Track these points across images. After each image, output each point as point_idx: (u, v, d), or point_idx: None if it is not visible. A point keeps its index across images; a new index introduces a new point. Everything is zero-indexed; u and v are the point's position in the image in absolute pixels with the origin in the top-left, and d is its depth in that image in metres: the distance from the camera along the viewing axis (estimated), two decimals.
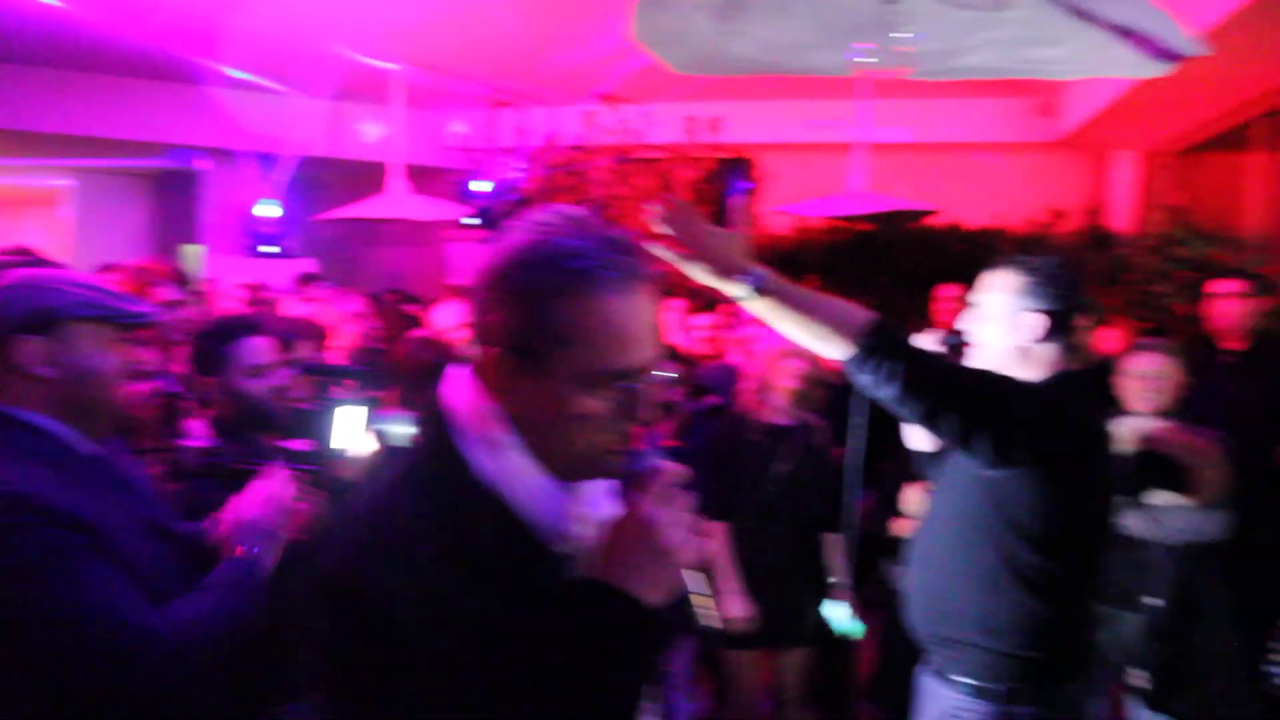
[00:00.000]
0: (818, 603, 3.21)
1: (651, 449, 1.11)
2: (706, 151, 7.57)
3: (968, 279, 4.44)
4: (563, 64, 6.49)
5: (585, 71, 6.68)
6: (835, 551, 3.24)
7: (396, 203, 6.10)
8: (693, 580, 1.06)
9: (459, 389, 1.12)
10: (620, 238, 1.06)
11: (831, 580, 3.23)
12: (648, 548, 1.04)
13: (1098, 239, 6.50)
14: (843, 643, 3.25)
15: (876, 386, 1.75)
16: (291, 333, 3.21)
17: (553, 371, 1.04)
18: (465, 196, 8.01)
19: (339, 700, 1.02)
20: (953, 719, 1.97)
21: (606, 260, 1.03)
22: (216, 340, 2.32)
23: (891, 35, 2.02)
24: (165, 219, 9.71)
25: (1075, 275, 2.04)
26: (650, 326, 1.07)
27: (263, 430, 2.30)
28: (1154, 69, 2.36)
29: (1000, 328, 2.03)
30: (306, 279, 6.08)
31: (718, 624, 1.10)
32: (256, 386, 2.28)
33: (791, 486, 3.19)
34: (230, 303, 5.02)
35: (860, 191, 5.70)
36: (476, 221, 7.56)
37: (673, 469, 1.08)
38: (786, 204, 6.34)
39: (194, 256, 8.13)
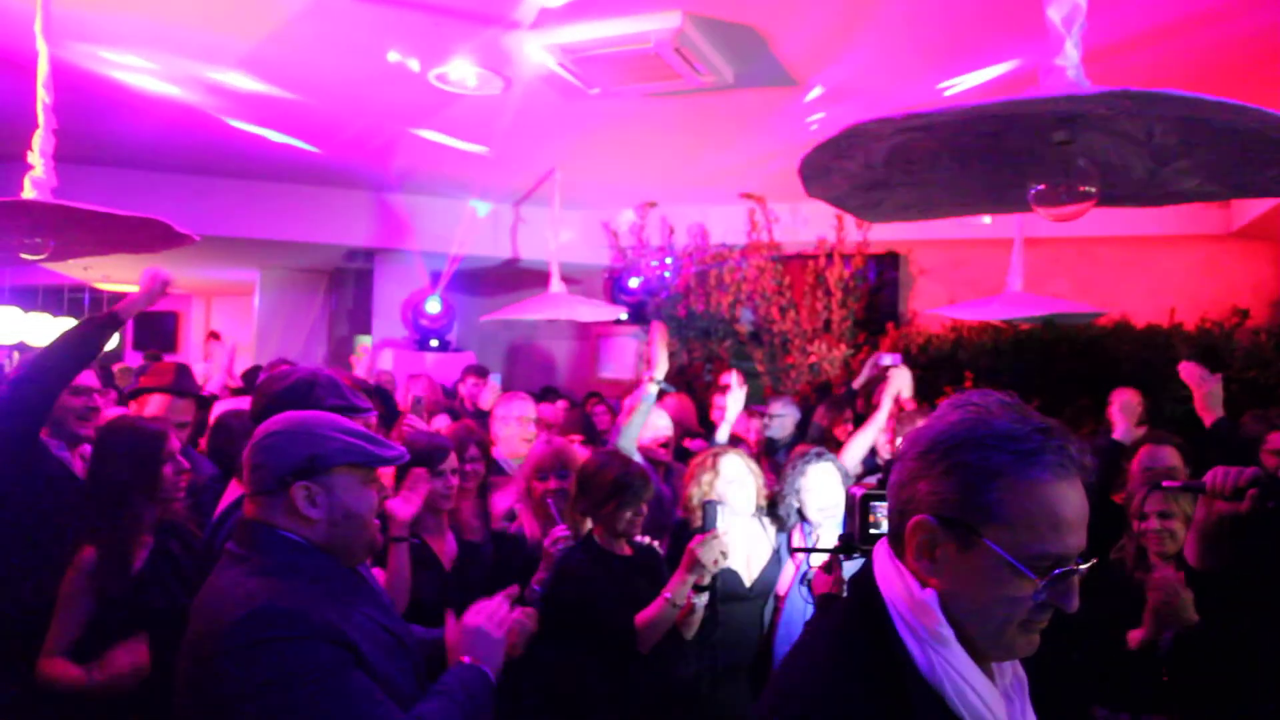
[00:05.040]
0: None
1: None
2: (857, 249, 7.56)
3: (1138, 381, 4.20)
4: (714, 164, 6.67)
5: (735, 171, 6.84)
6: None
7: (557, 303, 6.35)
8: None
9: (890, 567, 1.14)
10: (1054, 426, 1.09)
11: None
12: None
13: None
14: None
15: None
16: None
17: (981, 547, 1.06)
18: (617, 293, 8.27)
19: None
20: None
21: (1044, 445, 1.06)
22: None
23: (1079, 165, 1.99)
24: (339, 311, 10.43)
25: None
26: (1081, 515, 1.08)
27: None
28: None
29: None
30: (475, 371, 6.38)
31: None
32: None
33: None
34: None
35: (1020, 293, 5.54)
36: (626, 318, 7.78)
37: None
38: (939, 303, 6.23)
39: (366, 346, 8.66)
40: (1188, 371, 3.45)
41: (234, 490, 2.56)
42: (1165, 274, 7.21)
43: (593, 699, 2.83)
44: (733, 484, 3.33)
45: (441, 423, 3.77)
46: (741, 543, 3.30)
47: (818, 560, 2.96)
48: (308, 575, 1.62)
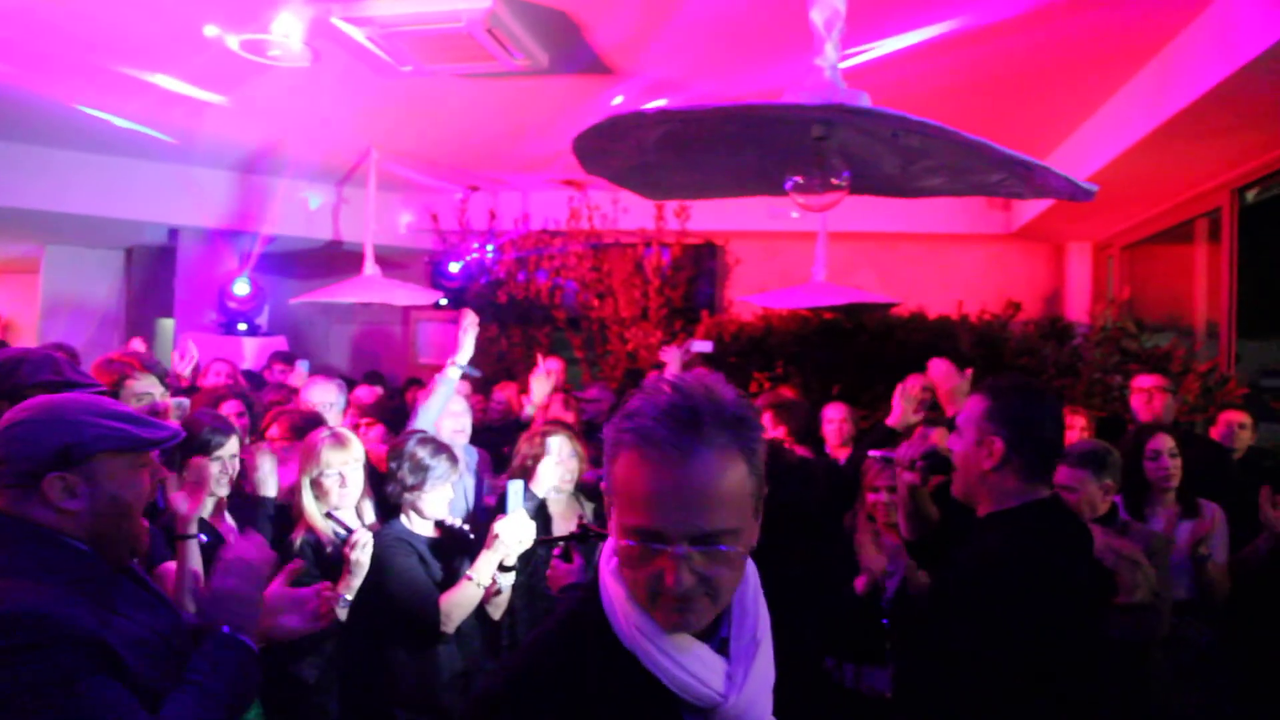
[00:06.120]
0: None
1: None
2: (675, 238, 7.76)
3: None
4: (535, 150, 6.67)
5: (556, 158, 6.86)
6: None
7: (371, 287, 6.17)
8: None
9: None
10: (687, 408, 1.05)
11: None
12: None
13: (1055, 330, 6.67)
14: None
15: None
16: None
17: (614, 516, 1.10)
18: (437, 278, 8.13)
19: None
20: None
21: (648, 428, 1.04)
22: None
23: (832, 160, 2.14)
24: (138, 292, 9.73)
25: (1037, 400, 2.00)
26: (671, 495, 1.04)
27: None
28: (1077, 197, 2.48)
29: (969, 451, 2.01)
30: (282, 357, 6.12)
31: None
32: None
33: None
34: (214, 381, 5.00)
35: (824, 283, 5.85)
36: (447, 303, 7.67)
37: None
38: (753, 293, 6.48)
39: (167, 331, 8.12)
40: (936, 368, 3.60)
41: None
42: (955, 269, 7.82)
43: (399, 681, 2.81)
44: (559, 462, 3.42)
45: (232, 409, 3.60)
46: (563, 519, 3.38)
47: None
48: (64, 575, 1.50)
